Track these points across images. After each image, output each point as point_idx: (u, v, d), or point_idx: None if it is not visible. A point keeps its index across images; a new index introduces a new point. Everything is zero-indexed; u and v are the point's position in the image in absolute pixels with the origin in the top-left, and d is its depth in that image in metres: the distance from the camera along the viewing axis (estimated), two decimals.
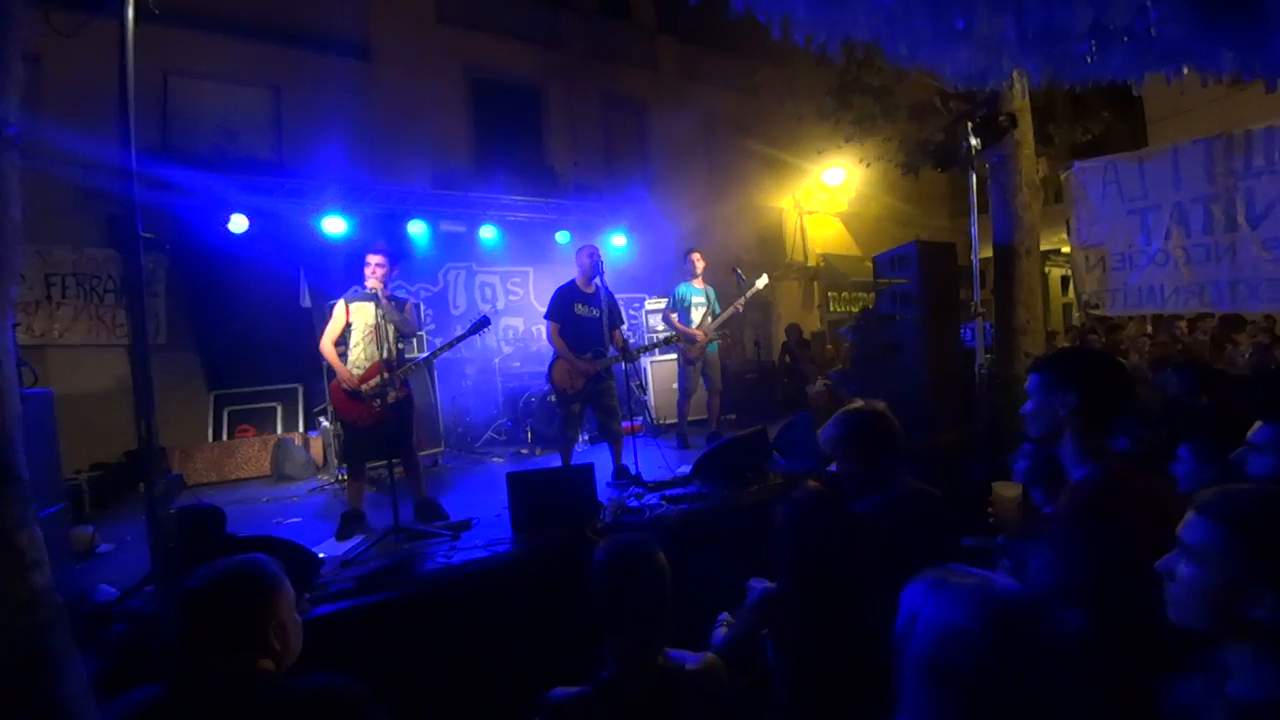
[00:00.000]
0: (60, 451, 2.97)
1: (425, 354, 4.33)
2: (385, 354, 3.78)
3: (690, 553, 3.17)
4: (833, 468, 2.15)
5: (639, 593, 1.51)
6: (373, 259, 3.92)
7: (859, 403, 2.15)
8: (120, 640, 2.31)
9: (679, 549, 3.21)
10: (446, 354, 4.45)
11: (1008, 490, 1.84)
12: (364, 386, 3.83)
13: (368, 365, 3.89)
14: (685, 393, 6.09)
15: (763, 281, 6.00)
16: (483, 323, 4.10)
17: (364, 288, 3.92)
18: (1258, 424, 1.94)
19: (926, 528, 1.79)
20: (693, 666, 1.56)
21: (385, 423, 3.77)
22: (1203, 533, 1.03)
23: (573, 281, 4.71)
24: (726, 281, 6.29)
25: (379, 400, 3.76)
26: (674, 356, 6.45)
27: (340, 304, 4.01)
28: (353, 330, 3.97)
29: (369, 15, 8.88)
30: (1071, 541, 1.43)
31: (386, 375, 3.74)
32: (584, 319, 4.59)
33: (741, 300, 5.89)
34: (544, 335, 4.97)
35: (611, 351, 4.58)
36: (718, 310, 5.97)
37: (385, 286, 3.91)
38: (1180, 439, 2.21)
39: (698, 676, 1.55)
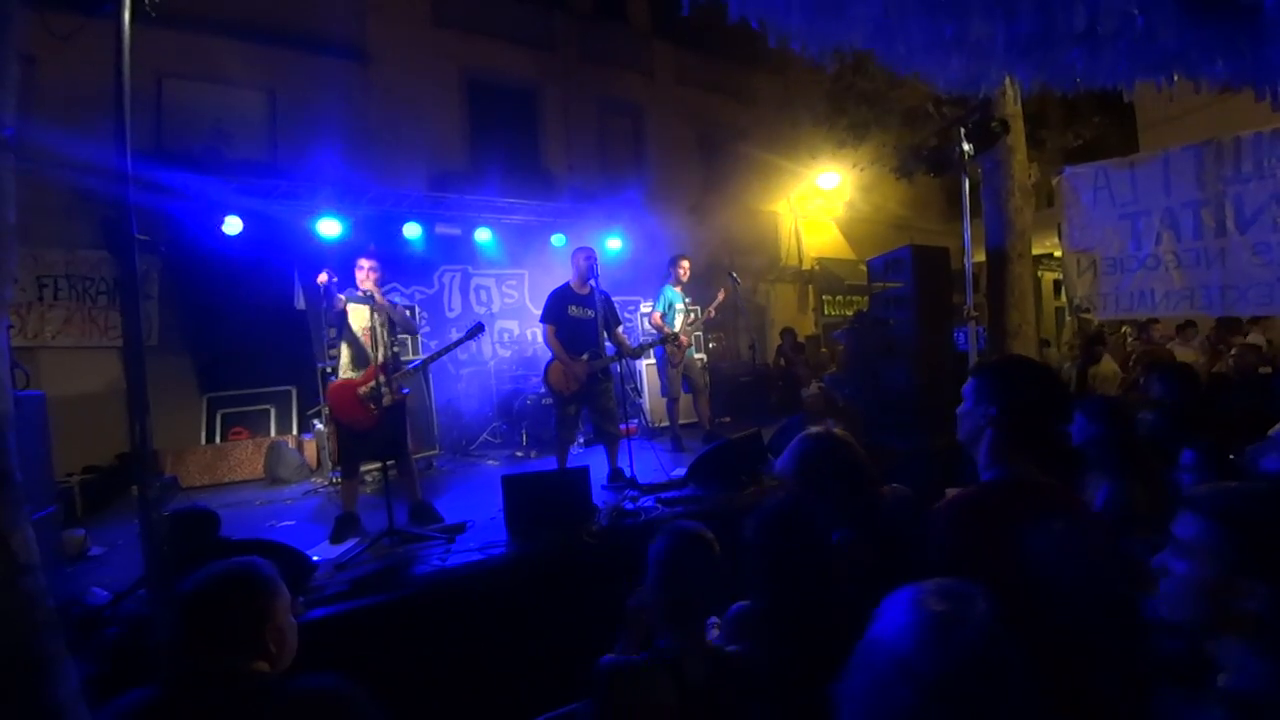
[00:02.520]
0: (52, 454, 2.96)
1: (420, 358, 4.33)
2: (382, 357, 3.79)
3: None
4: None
5: (696, 576, 1.62)
6: (365, 263, 3.92)
7: (815, 428, 2.03)
8: (113, 643, 2.30)
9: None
10: (441, 357, 4.46)
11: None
12: (361, 390, 3.83)
13: (366, 368, 3.88)
14: (670, 397, 6.14)
15: (732, 284, 6.15)
16: (477, 329, 4.12)
17: (357, 291, 3.92)
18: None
19: (896, 547, 1.75)
20: (728, 651, 1.66)
21: (380, 425, 3.77)
22: (1195, 529, 1.05)
23: (567, 284, 4.72)
24: (723, 285, 6.34)
25: (375, 403, 3.75)
26: (651, 361, 6.54)
27: (341, 297, 4.00)
28: (346, 331, 3.96)
29: (365, 17, 8.88)
30: (939, 536, 1.45)
31: (383, 379, 3.74)
32: (579, 320, 4.60)
33: (712, 306, 6.09)
34: (539, 338, 4.99)
35: (609, 350, 4.59)
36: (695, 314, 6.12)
37: (378, 290, 3.92)
38: (1175, 442, 2.22)
39: (734, 659, 1.62)
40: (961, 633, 0.82)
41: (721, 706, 1.53)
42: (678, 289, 6.09)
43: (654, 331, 6.06)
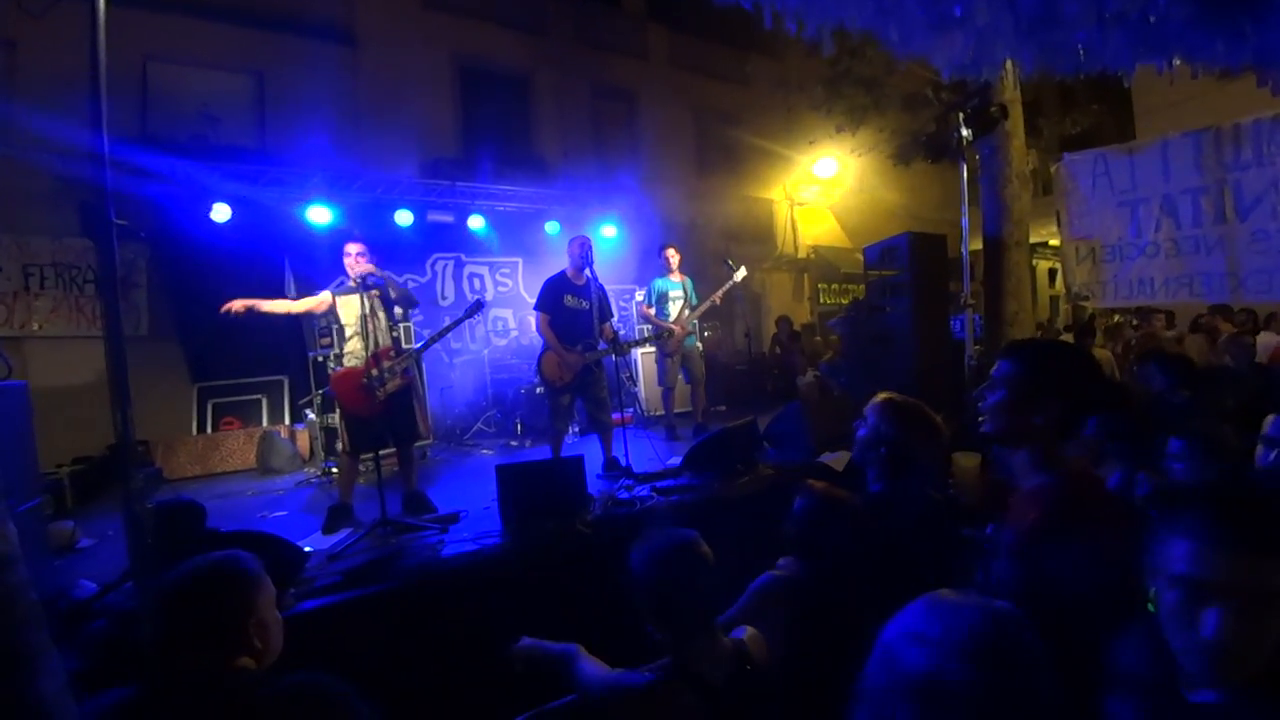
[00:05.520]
0: (37, 445, 2.91)
1: (420, 343, 4.28)
2: (376, 345, 3.74)
3: None
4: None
5: (690, 586, 1.52)
6: (352, 249, 3.86)
7: (886, 395, 2.02)
8: (100, 637, 2.27)
9: None
10: (435, 345, 4.42)
11: (967, 460, 1.86)
12: (363, 379, 3.77)
13: (366, 356, 3.83)
14: (666, 386, 6.12)
15: (740, 274, 6.00)
16: (477, 306, 4.05)
17: (347, 280, 3.87)
18: (1271, 417, 1.90)
19: (935, 532, 1.76)
20: (745, 637, 1.60)
21: (387, 412, 3.74)
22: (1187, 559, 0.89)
23: (563, 273, 4.67)
24: (718, 273, 6.29)
25: (378, 390, 3.71)
26: (651, 350, 6.47)
27: (326, 293, 3.94)
28: (344, 323, 3.92)
29: (355, 0, 8.73)
30: (1034, 555, 1.30)
31: (376, 369, 3.70)
32: (574, 311, 4.55)
33: (719, 293, 5.89)
34: (534, 327, 4.95)
35: (601, 344, 4.56)
36: (695, 302, 5.99)
37: (367, 275, 3.87)
38: (1166, 434, 2.20)
39: (755, 647, 1.58)
40: (997, 648, 0.79)
41: (746, 711, 1.48)
42: (672, 277, 6.05)
43: (648, 325, 6.02)
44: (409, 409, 3.98)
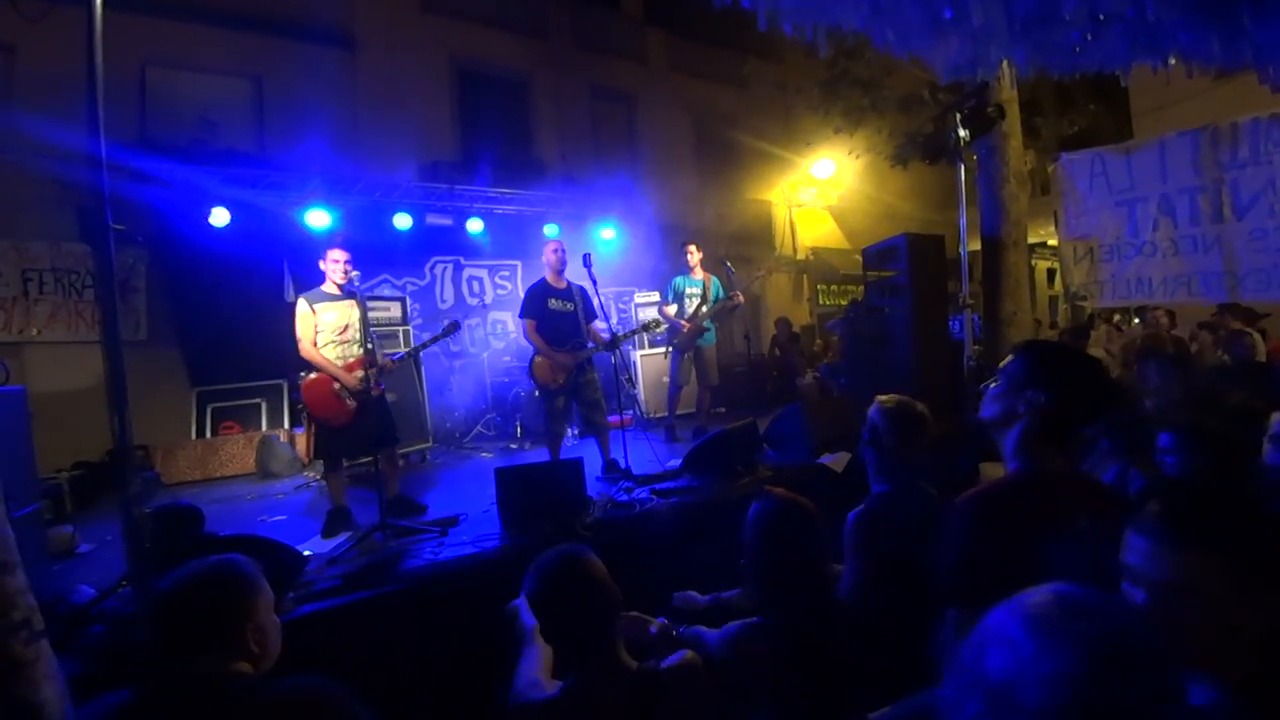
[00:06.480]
0: (36, 450, 2.91)
1: (400, 353, 4.26)
2: (367, 349, 3.72)
3: (681, 545, 3.16)
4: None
5: (577, 604, 1.49)
6: (341, 255, 3.85)
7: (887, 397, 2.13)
8: (99, 641, 2.27)
9: (670, 542, 3.21)
10: (433, 348, 4.44)
11: (994, 471, 1.86)
12: (350, 380, 3.76)
13: (343, 364, 3.81)
14: (676, 384, 6.06)
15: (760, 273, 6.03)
16: (453, 326, 4.11)
17: (323, 284, 3.86)
18: (1276, 414, 1.89)
19: (916, 534, 1.75)
20: (668, 666, 1.51)
21: (362, 419, 3.70)
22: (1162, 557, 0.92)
23: (543, 279, 4.70)
24: (716, 274, 6.28)
25: (361, 396, 3.69)
26: (664, 349, 6.44)
27: (302, 303, 3.82)
28: (320, 331, 3.83)
29: (353, 3, 8.74)
30: (964, 531, 1.35)
31: (372, 370, 3.69)
32: (558, 314, 4.57)
33: (738, 293, 5.81)
34: (521, 334, 4.96)
35: (589, 343, 4.56)
36: (716, 299, 5.89)
37: (348, 284, 3.86)
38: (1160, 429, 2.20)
39: (674, 677, 1.49)
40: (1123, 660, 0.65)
41: None
42: (693, 275, 5.99)
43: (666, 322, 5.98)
44: (386, 414, 3.94)
